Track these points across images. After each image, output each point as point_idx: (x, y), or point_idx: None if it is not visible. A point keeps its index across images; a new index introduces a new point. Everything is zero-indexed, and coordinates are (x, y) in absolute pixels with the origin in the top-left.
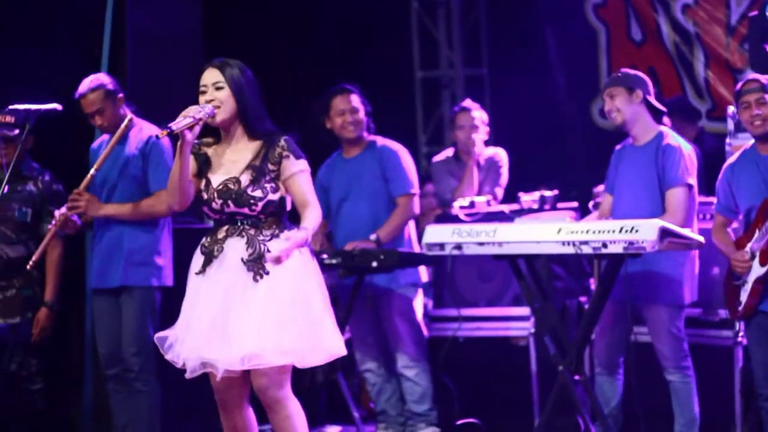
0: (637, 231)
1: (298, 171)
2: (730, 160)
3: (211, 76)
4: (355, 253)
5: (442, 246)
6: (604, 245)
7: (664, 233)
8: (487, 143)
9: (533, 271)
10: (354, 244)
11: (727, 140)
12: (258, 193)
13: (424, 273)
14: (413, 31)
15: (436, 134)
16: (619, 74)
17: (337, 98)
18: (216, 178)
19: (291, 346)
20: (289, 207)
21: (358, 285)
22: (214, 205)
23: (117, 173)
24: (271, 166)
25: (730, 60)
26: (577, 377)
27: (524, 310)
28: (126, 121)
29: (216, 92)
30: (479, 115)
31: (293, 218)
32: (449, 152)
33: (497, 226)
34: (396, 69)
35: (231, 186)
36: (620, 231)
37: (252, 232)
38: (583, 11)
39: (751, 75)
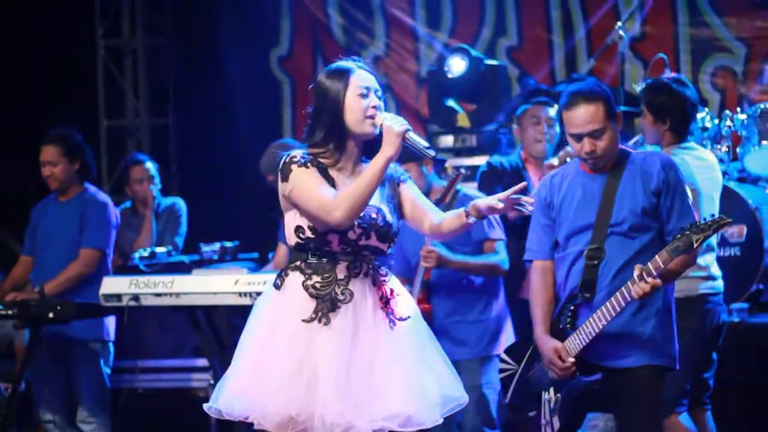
0: None
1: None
2: None
3: (369, 78)
4: (32, 303)
5: (119, 297)
6: None
7: None
8: (170, 193)
9: (211, 322)
10: (14, 294)
11: None
12: (395, 227)
13: (111, 325)
14: (99, 79)
15: (120, 183)
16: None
17: None
18: None
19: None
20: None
21: (34, 336)
22: (350, 234)
23: None
24: (391, 191)
25: (421, 111)
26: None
27: (204, 362)
28: None
29: (377, 99)
30: (151, 166)
31: None
32: (126, 204)
33: (175, 278)
34: (82, 117)
35: (373, 216)
36: None
37: (375, 271)
38: (268, 63)
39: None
